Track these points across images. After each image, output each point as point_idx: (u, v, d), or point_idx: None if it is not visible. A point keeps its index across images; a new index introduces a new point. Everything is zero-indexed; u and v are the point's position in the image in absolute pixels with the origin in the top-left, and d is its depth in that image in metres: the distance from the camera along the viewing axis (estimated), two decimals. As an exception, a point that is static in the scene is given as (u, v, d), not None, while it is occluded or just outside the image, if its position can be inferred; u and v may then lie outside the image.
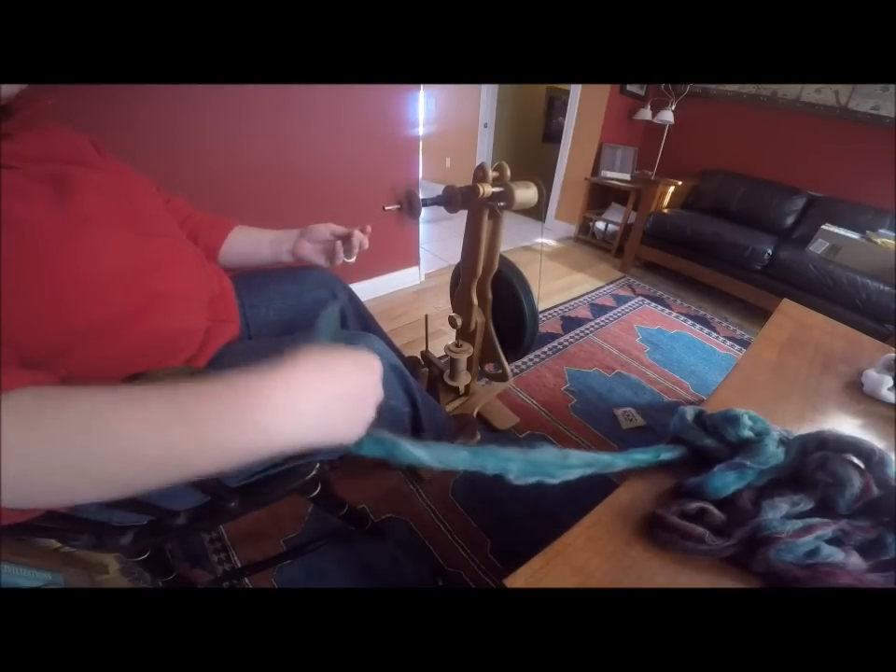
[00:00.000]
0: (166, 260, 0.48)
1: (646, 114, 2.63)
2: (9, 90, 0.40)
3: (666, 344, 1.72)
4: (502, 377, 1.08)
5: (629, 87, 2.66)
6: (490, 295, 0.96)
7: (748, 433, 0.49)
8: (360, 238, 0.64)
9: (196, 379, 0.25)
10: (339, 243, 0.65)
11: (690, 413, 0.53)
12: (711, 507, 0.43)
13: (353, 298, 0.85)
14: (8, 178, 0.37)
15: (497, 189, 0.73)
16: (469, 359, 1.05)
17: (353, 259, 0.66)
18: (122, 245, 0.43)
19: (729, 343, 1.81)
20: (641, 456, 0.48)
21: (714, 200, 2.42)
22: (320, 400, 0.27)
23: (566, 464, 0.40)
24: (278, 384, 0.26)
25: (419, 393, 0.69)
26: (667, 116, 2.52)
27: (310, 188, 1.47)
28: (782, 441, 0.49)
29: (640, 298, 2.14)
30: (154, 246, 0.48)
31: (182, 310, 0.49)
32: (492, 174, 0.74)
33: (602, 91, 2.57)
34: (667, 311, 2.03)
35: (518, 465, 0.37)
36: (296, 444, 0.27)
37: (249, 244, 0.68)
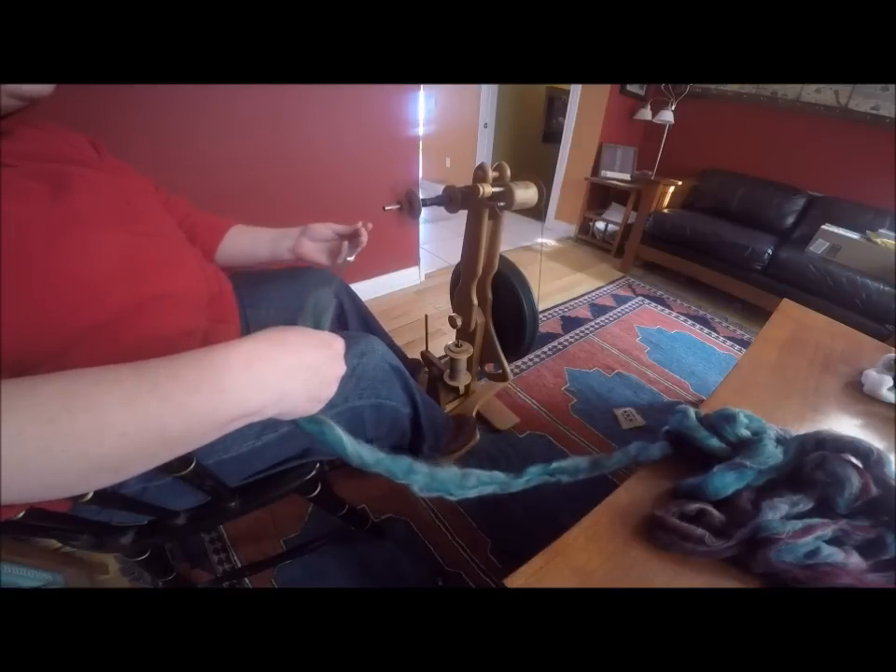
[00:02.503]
0: (164, 261, 0.48)
1: (646, 114, 2.63)
2: (41, 90, 0.41)
3: (666, 344, 1.72)
4: (502, 377, 1.08)
5: (629, 87, 2.66)
6: (490, 295, 0.96)
7: (744, 432, 0.49)
8: (364, 238, 0.64)
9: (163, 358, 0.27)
10: (345, 242, 0.65)
11: (692, 412, 0.53)
12: (711, 508, 0.43)
13: (353, 298, 0.85)
14: (4, 176, 0.37)
15: (497, 189, 0.73)
16: (469, 359, 1.05)
17: (353, 259, 0.66)
18: (119, 246, 0.43)
19: (729, 343, 1.81)
20: (536, 470, 0.49)
21: (714, 200, 2.42)
22: (276, 368, 0.29)
23: (463, 484, 0.43)
24: (239, 352, 0.28)
25: (419, 394, 0.69)
26: (667, 116, 2.52)
27: (309, 188, 1.47)
28: (780, 441, 0.49)
29: (640, 298, 2.14)
30: (152, 247, 0.47)
31: (180, 311, 0.49)
32: (492, 174, 0.74)
33: (602, 91, 2.57)
34: (667, 311, 2.03)
35: (422, 479, 0.40)
36: (256, 408, 0.29)
37: (247, 242, 0.68)
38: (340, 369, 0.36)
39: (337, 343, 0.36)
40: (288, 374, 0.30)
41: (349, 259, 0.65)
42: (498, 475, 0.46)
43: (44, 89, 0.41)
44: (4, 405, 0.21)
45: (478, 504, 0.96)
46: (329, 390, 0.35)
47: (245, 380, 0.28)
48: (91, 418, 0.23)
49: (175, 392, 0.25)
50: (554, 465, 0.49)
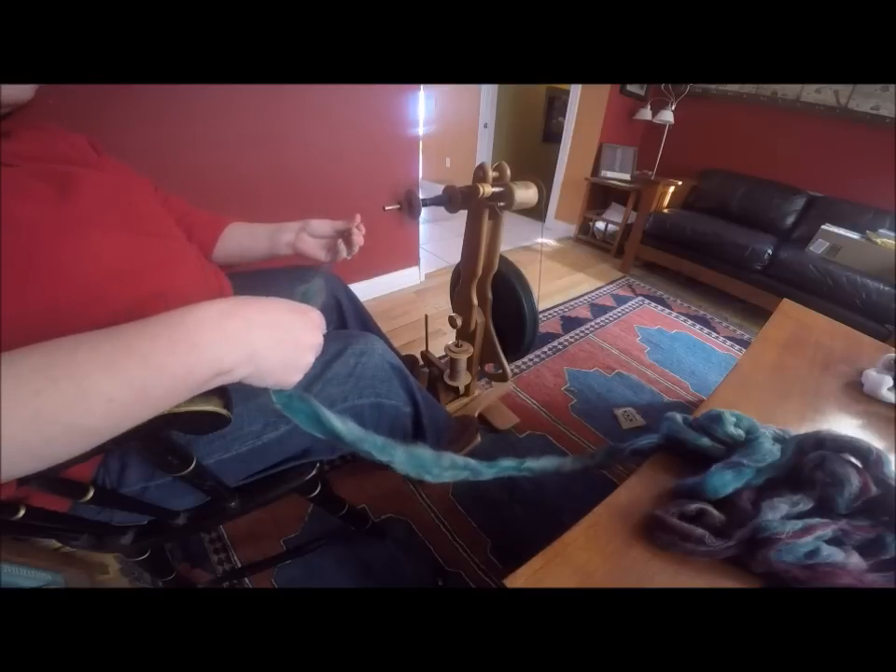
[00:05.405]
0: (165, 261, 0.48)
1: (646, 114, 2.63)
2: (24, 92, 0.41)
3: (666, 344, 1.72)
4: (502, 377, 1.08)
5: (629, 87, 2.66)
6: (490, 295, 0.96)
7: (733, 430, 0.50)
8: (360, 234, 0.64)
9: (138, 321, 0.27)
10: (340, 239, 0.65)
11: (679, 416, 0.55)
12: (710, 508, 0.43)
13: (352, 298, 0.85)
14: (7, 176, 0.37)
15: (497, 189, 0.73)
16: (469, 359, 1.05)
17: (350, 257, 0.66)
18: (122, 246, 0.43)
19: (729, 343, 1.81)
20: (508, 464, 0.51)
21: (714, 200, 2.42)
22: (246, 324, 0.30)
23: (440, 464, 0.45)
24: (209, 311, 0.29)
25: (420, 393, 0.69)
26: (667, 116, 2.52)
27: (309, 189, 1.47)
28: (777, 440, 0.49)
29: (640, 298, 2.14)
30: (154, 247, 0.48)
31: None
32: (492, 174, 0.74)
33: (602, 91, 2.57)
34: (667, 311, 2.03)
35: (401, 455, 0.42)
36: (229, 366, 0.29)
37: (245, 237, 0.67)
38: (316, 338, 0.35)
39: (313, 313, 0.36)
40: (259, 331, 0.30)
41: (347, 256, 0.65)
42: (472, 462, 0.48)
43: (21, 94, 0.41)
44: None
45: (478, 504, 0.97)
46: (306, 358, 0.34)
47: (217, 337, 0.28)
48: (76, 387, 0.23)
49: (152, 354, 0.25)
50: (526, 464, 0.53)
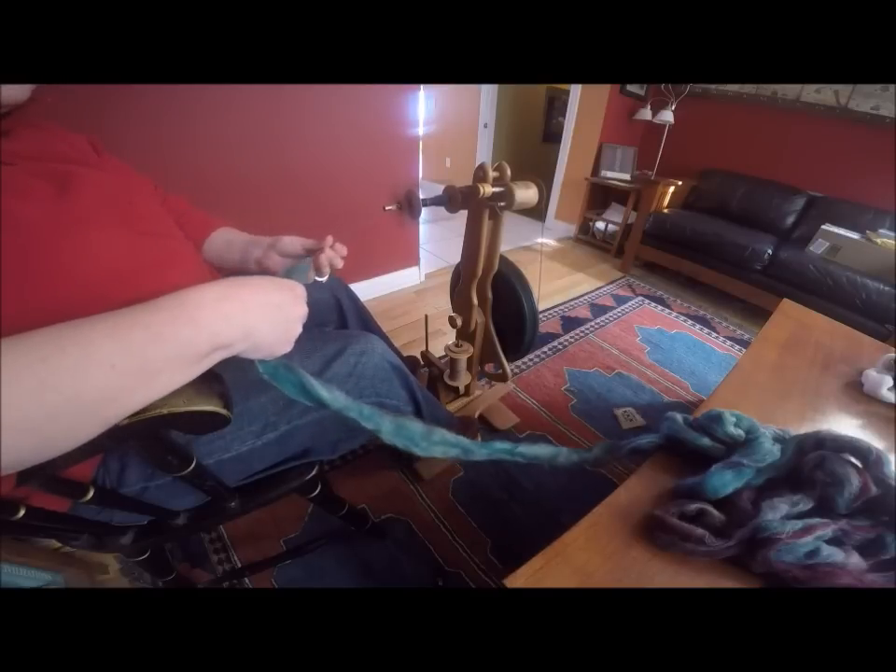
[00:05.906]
0: (164, 260, 0.48)
1: (646, 114, 2.63)
2: (20, 92, 0.40)
3: (666, 344, 1.72)
4: (502, 377, 1.08)
5: (629, 87, 2.66)
6: (490, 295, 0.96)
7: (734, 430, 0.50)
8: (331, 256, 0.58)
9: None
10: (309, 259, 0.58)
11: (679, 416, 0.55)
12: (711, 508, 0.43)
13: (353, 297, 0.85)
14: (7, 175, 0.37)
15: (497, 189, 0.73)
16: (469, 359, 1.05)
17: (324, 279, 0.59)
18: (122, 246, 0.43)
19: (729, 343, 1.80)
20: (501, 446, 0.52)
21: (714, 200, 2.42)
22: (243, 306, 0.33)
23: (429, 438, 0.46)
24: (208, 292, 0.31)
25: (420, 392, 0.69)
26: (667, 116, 2.51)
27: (309, 189, 1.47)
28: (777, 440, 0.49)
29: (640, 298, 2.14)
30: (153, 246, 0.48)
31: None
32: (492, 174, 0.74)
33: (602, 91, 2.57)
34: (667, 311, 2.03)
35: (388, 426, 0.44)
36: (226, 342, 0.32)
37: (223, 245, 0.65)
38: (302, 309, 0.39)
39: (299, 288, 0.40)
40: (254, 311, 0.34)
41: (319, 278, 0.58)
42: (463, 440, 0.49)
43: (18, 94, 0.41)
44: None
45: (478, 504, 0.97)
46: (294, 329, 0.38)
47: (216, 315, 0.31)
48: (81, 352, 0.24)
49: (154, 324, 0.27)
50: (519, 448, 0.52)
